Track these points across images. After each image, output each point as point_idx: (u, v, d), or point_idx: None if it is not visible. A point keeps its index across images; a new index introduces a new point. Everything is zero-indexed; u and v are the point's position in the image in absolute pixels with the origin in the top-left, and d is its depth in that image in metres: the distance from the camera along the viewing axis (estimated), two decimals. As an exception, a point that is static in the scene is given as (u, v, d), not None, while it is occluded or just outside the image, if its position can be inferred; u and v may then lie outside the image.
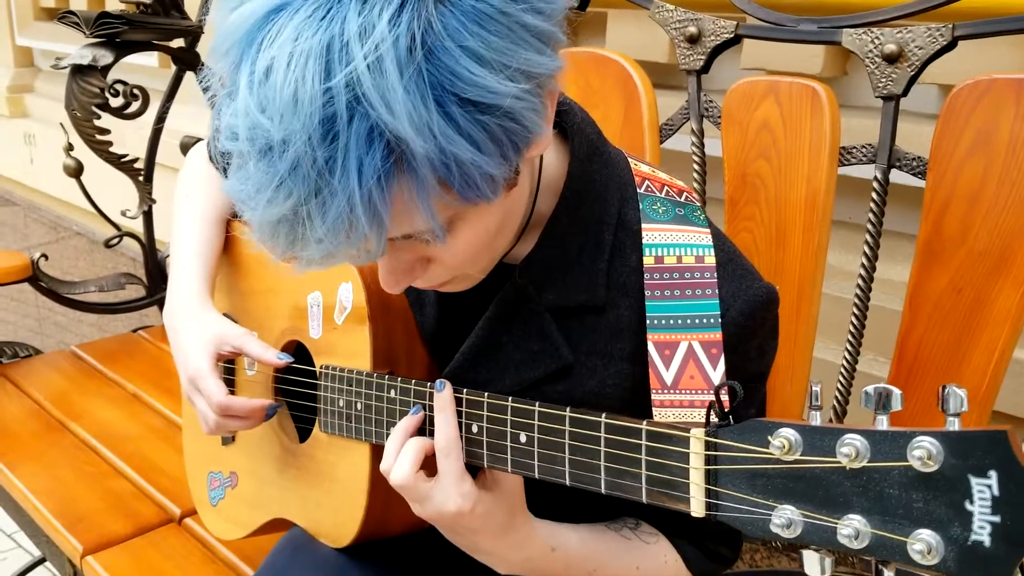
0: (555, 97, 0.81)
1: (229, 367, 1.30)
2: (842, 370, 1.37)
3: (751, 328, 0.93)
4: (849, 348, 1.36)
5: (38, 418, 1.95)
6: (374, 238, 0.72)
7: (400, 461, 0.92)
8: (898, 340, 1.28)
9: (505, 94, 0.71)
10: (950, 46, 1.23)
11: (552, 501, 1.01)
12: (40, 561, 2.53)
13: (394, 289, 0.86)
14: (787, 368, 1.36)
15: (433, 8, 0.68)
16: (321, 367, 1.11)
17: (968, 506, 0.60)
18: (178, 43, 2.24)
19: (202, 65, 2.24)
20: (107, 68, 2.08)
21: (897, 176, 1.30)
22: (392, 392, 1.00)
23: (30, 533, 1.79)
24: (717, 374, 0.89)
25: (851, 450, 0.64)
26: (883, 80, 1.28)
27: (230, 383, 1.30)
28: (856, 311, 1.34)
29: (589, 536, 1.00)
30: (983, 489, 0.59)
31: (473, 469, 0.92)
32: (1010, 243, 1.16)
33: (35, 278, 2.18)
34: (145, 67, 2.93)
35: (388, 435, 0.96)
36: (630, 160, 1.02)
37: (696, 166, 1.50)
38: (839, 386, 1.38)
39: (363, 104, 0.66)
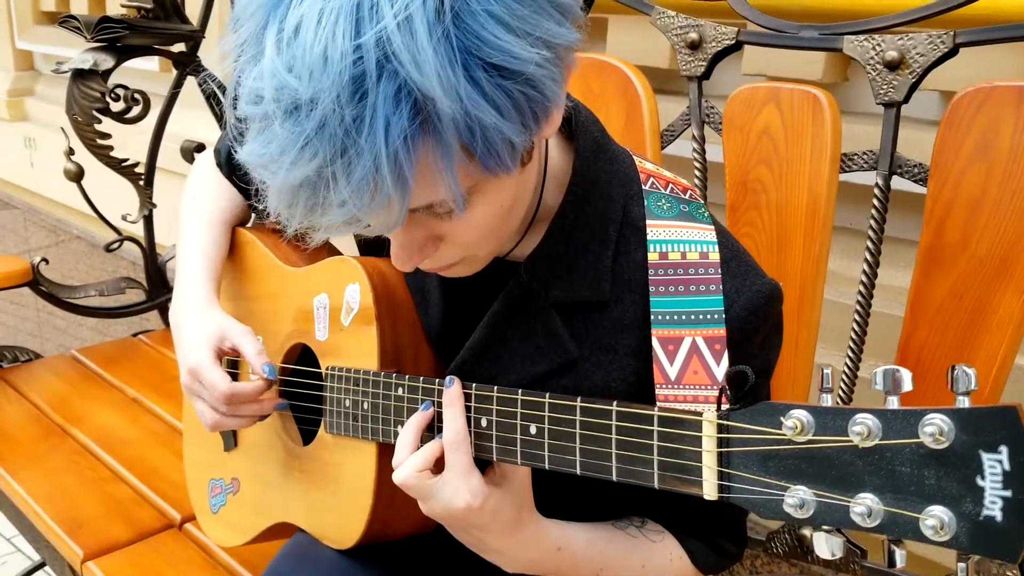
0: (572, 70, 0.82)
1: (233, 372, 1.30)
2: (843, 376, 1.37)
3: (755, 324, 0.94)
4: (851, 354, 1.36)
5: (38, 423, 1.95)
6: (397, 202, 0.72)
7: (408, 461, 0.92)
8: (899, 346, 1.28)
9: (528, 60, 0.72)
10: (951, 53, 1.23)
11: (558, 500, 1.01)
12: (40, 566, 2.53)
13: (406, 266, 0.86)
14: (788, 374, 1.36)
15: None
16: (327, 368, 1.11)
17: (979, 482, 0.60)
18: (179, 48, 2.24)
19: (199, 63, 2.25)
20: (108, 72, 2.08)
21: (898, 182, 1.30)
22: (400, 390, 1.00)
23: (30, 538, 1.79)
24: (720, 370, 0.90)
25: (863, 429, 0.65)
26: (884, 87, 1.28)
27: (235, 377, 1.30)
28: (857, 317, 1.35)
29: (595, 535, 1.00)
30: (994, 464, 0.60)
31: (481, 466, 0.93)
32: (1011, 250, 1.16)
33: (35, 282, 2.18)
34: (146, 71, 2.93)
35: (396, 433, 0.97)
36: (635, 158, 1.03)
37: (697, 172, 1.51)
38: (840, 392, 1.38)
39: (392, 62, 0.67)
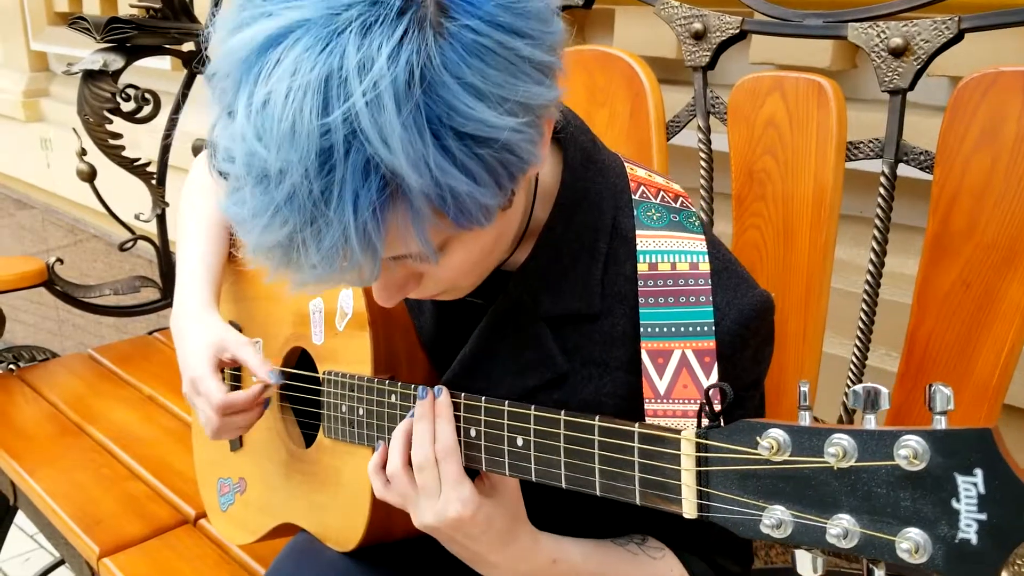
0: (552, 124, 0.81)
1: (236, 373, 1.31)
2: (852, 365, 1.37)
3: (745, 337, 0.93)
4: (859, 343, 1.35)
5: (55, 421, 1.97)
6: (368, 265, 0.73)
7: (391, 460, 0.93)
8: (907, 335, 1.27)
9: (503, 127, 0.71)
10: (956, 39, 1.22)
11: (557, 518, 1.00)
12: (60, 563, 2.55)
13: (388, 303, 0.87)
14: (796, 364, 1.36)
15: (433, 42, 0.69)
16: (324, 373, 1.11)
17: (955, 504, 0.60)
18: (188, 47, 2.25)
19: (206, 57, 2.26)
20: (118, 73, 2.10)
21: (907, 169, 1.29)
22: (392, 397, 1.01)
23: (48, 535, 1.81)
24: (710, 383, 0.89)
25: (838, 450, 0.65)
26: (889, 74, 1.27)
27: (237, 381, 1.30)
28: (865, 306, 1.34)
29: (593, 550, 0.99)
30: (969, 487, 0.60)
31: (471, 477, 0.92)
32: (1018, 236, 1.15)
33: (50, 282, 2.20)
34: (158, 70, 2.95)
35: (389, 440, 0.97)
36: (626, 165, 1.01)
37: (703, 163, 1.50)
38: (849, 382, 1.38)
39: (359, 139, 0.67)
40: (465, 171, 0.71)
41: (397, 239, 0.74)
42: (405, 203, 0.71)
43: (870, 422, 0.65)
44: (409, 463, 0.93)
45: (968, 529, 0.60)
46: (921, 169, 1.27)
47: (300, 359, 1.21)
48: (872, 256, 1.32)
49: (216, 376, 1.12)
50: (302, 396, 1.19)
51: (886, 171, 1.29)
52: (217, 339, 1.13)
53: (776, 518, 0.68)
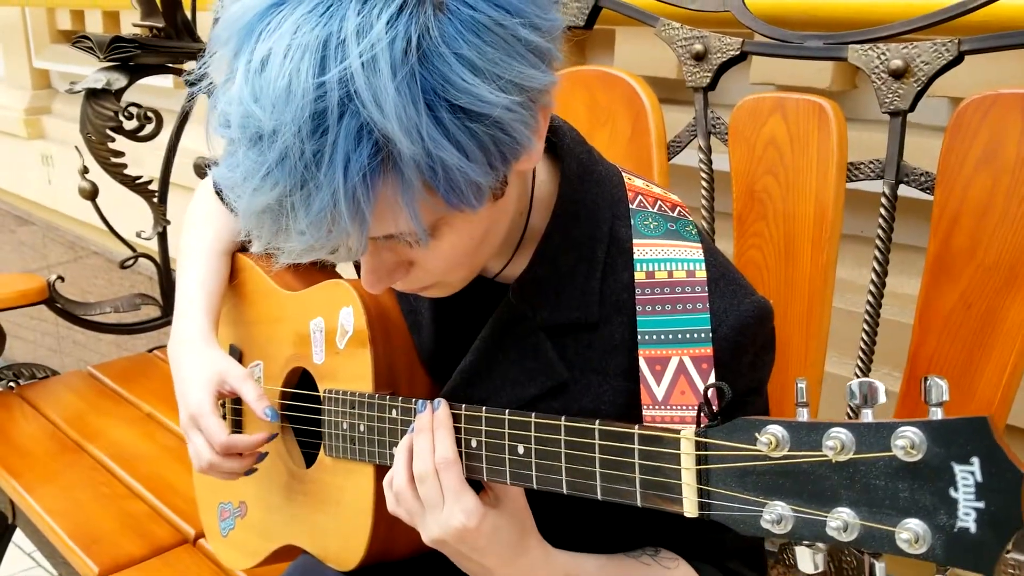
0: (548, 113, 0.82)
1: (237, 407, 1.31)
2: (853, 386, 1.36)
3: (743, 344, 0.93)
4: (861, 363, 1.35)
5: (54, 439, 1.97)
6: (355, 235, 0.73)
7: (396, 469, 0.92)
8: (909, 355, 1.27)
9: (496, 104, 0.72)
10: (956, 61, 1.22)
11: (567, 535, 1.00)
12: (59, 581, 2.55)
13: (374, 288, 0.87)
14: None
15: (431, 14, 0.71)
16: (325, 391, 1.11)
17: (953, 493, 0.61)
18: (191, 65, 2.26)
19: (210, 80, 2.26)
20: (121, 91, 2.11)
21: (908, 189, 1.30)
22: (393, 412, 1.01)
23: (47, 554, 1.81)
24: (708, 385, 0.89)
25: (836, 443, 0.65)
26: (890, 96, 1.27)
27: (238, 412, 1.30)
28: (866, 326, 1.34)
29: (607, 563, 0.98)
30: (966, 476, 0.60)
31: (475, 489, 0.92)
32: (1020, 257, 1.15)
33: (51, 300, 2.20)
34: (161, 88, 2.96)
35: (391, 455, 0.97)
36: (624, 175, 1.02)
37: (704, 183, 1.50)
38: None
39: (355, 101, 0.68)
40: (457, 144, 0.72)
41: (387, 211, 0.74)
42: (396, 172, 0.71)
43: (867, 416, 0.65)
44: (413, 478, 0.93)
45: (967, 518, 0.60)
46: (922, 190, 1.28)
47: (301, 379, 1.20)
48: (873, 276, 1.32)
49: (217, 413, 1.12)
50: (303, 416, 1.18)
51: (887, 192, 1.30)
52: (217, 372, 1.13)
53: (776, 514, 0.68)
